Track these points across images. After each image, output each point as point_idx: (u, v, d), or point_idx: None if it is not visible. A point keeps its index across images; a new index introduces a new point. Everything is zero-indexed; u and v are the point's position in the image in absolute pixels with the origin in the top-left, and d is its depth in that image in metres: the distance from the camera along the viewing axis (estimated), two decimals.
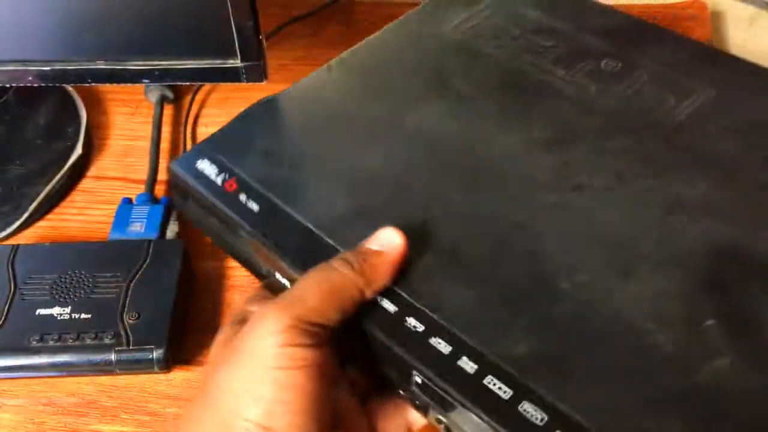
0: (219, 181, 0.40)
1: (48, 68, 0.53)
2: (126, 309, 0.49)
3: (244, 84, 0.55)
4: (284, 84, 0.68)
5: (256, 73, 0.53)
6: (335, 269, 0.33)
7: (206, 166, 0.41)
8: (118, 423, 0.48)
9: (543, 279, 0.34)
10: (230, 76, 0.53)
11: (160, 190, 0.61)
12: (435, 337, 0.32)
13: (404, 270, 0.34)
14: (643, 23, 0.49)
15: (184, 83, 0.55)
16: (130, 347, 0.47)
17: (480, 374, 0.31)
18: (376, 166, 0.40)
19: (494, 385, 0.30)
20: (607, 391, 0.30)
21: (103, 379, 0.49)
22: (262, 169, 0.40)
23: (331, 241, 0.36)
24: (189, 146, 0.65)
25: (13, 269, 0.52)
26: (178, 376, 0.50)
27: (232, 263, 0.56)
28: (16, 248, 0.53)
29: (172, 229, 0.56)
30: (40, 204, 0.59)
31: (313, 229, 0.37)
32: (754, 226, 0.35)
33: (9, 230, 0.58)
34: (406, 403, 0.35)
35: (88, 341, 0.47)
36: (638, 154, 0.39)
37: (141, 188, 0.60)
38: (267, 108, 0.44)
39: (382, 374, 0.35)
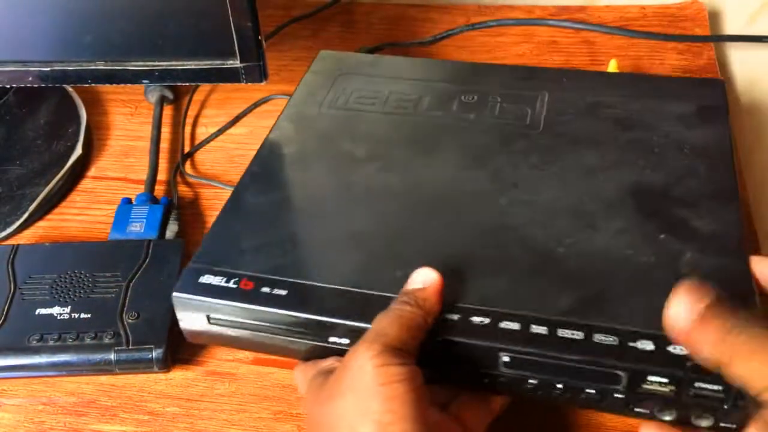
0: (233, 285, 0.42)
1: (48, 69, 0.53)
2: (126, 309, 0.49)
3: (243, 84, 0.55)
4: (284, 84, 0.69)
5: (256, 73, 0.53)
6: (400, 308, 0.38)
7: (212, 279, 0.42)
8: (117, 422, 0.48)
9: (543, 252, 0.43)
10: (230, 76, 0.54)
11: (159, 191, 0.61)
12: (502, 321, 0.39)
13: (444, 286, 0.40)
14: (469, 65, 0.63)
15: (183, 83, 0.55)
16: (130, 347, 0.47)
17: (552, 332, 0.38)
18: (358, 221, 0.45)
19: (566, 334, 0.38)
20: (637, 303, 0.39)
21: (103, 379, 0.50)
22: (262, 261, 0.43)
23: (364, 291, 0.41)
24: (188, 147, 0.65)
25: (13, 269, 0.52)
26: (178, 375, 0.50)
27: None
28: (16, 248, 0.53)
29: (171, 229, 0.56)
30: (40, 204, 0.59)
31: (344, 288, 0.41)
32: (642, 167, 0.48)
33: (9, 230, 0.58)
34: (486, 394, 0.42)
35: (88, 341, 0.48)
36: (536, 150, 0.50)
37: (141, 188, 0.60)
38: (231, 214, 0.47)
39: (465, 375, 0.40)
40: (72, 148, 0.63)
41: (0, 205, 0.59)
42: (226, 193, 0.61)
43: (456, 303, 0.40)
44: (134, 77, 0.54)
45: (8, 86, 0.59)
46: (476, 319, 0.39)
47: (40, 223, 0.60)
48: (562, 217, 0.45)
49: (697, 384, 0.36)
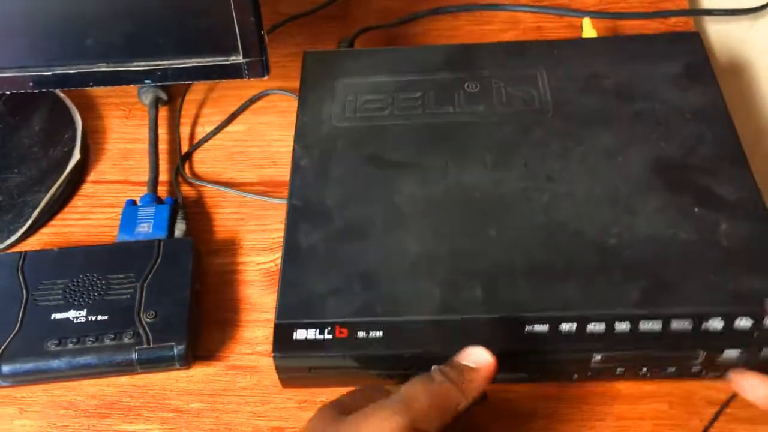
0: (327, 335, 0.42)
1: (49, 73, 0.53)
2: (143, 308, 0.49)
3: (237, 81, 0.55)
4: (279, 81, 0.69)
5: (258, 68, 0.53)
6: (439, 383, 0.36)
7: (305, 333, 0.43)
8: (142, 422, 0.48)
9: (597, 246, 0.45)
10: (232, 72, 0.54)
11: (162, 191, 0.61)
12: (588, 324, 0.41)
13: (517, 293, 0.43)
14: (457, 47, 0.60)
15: (186, 82, 0.55)
16: (151, 345, 0.47)
17: (634, 327, 0.41)
18: (417, 242, 0.46)
19: (646, 326, 0.41)
20: (695, 281, 0.43)
21: (123, 380, 0.50)
22: (344, 304, 0.43)
23: (454, 317, 0.42)
24: (186, 147, 0.64)
25: (23, 275, 0.52)
26: (199, 371, 0.50)
27: (243, 258, 0.56)
28: (24, 255, 0.53)
29: (180, 228, 0.56)
30: (42, 211, 0.59)
31: (434, 318, 0.42)
32: (654, 141, 0.50)
33: (13, 238, 0.57)
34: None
35: (108, 342, 0.48)
36: (555, 136, 0.51)
37: (142, 191, 0.60)
38: (293, 261, 0.46)
39: (554, 374, 0.44)
40: (69, 154, 0.62)
41: (2, 214, 0.59)
42: (230, 192, 0.61)
43: (539, 311, 0.42)
44: (136, 77, 0.54)
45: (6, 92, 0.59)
46: (565, 327, 0.41)
47: (44, 230, 0.59)
48: (601, 205, 0.47)
49: (765, 349, 0.41)
